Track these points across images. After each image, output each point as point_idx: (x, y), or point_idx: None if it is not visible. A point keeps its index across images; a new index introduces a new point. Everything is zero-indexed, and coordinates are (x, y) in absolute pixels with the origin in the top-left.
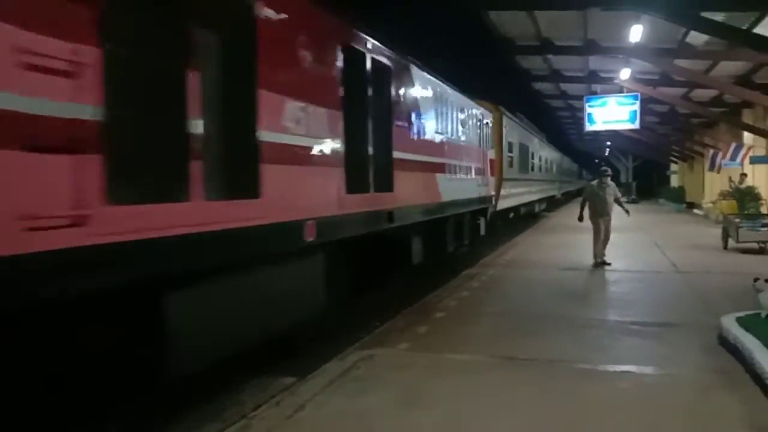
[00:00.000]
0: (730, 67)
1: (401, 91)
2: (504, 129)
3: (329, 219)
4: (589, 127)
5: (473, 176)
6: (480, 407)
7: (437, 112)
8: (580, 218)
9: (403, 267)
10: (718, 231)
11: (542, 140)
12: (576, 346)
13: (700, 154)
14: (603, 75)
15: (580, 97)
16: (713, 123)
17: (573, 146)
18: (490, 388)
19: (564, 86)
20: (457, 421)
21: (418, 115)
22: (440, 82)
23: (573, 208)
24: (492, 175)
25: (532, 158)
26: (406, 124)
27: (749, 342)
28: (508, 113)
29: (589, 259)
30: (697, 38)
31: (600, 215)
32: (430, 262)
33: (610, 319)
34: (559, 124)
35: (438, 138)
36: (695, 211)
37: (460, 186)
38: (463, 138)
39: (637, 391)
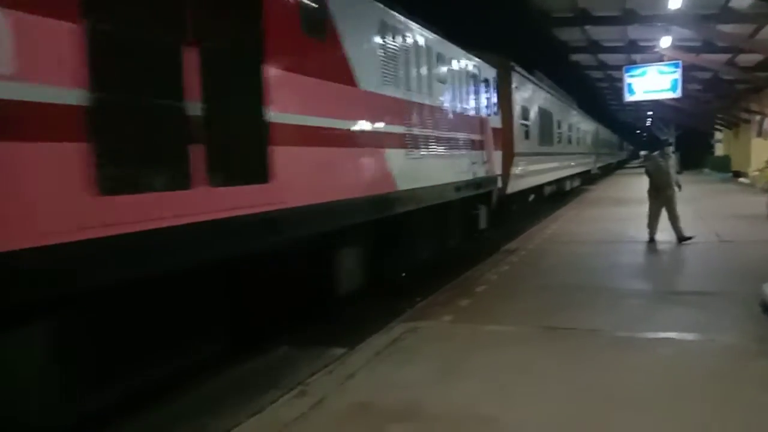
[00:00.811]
0: None
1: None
2: (514, 89)
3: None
4: (628, 98)
5: (464, 152)
6: (521, 376)
7: (387, 57)
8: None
9: (325, 303)
10: (763, 200)
11: (572, 106)
12: (617, 315)
13: (746, 121)
14: (642, 44)
15: (619, 68)
16: (759, 88)
17: (613, 117)
18: (532, 357)
19: (602, 57)
20: (501, 389)
21: (338, 53)
22: (396, 15)
23: (614, 181)
24: (498, 149)
25: (558, 128)
26: (300, 64)
27: None
28: (520, 70)
29: (631, 232)
30: (740, 1)
31: (663, 188)
32: (374, 287)
33: (653, 290)
34: (598, 96)
35: (389, 94)
36: (741, 180)
37: (437, 166)
38: (443, 99)
39: (678, 356)
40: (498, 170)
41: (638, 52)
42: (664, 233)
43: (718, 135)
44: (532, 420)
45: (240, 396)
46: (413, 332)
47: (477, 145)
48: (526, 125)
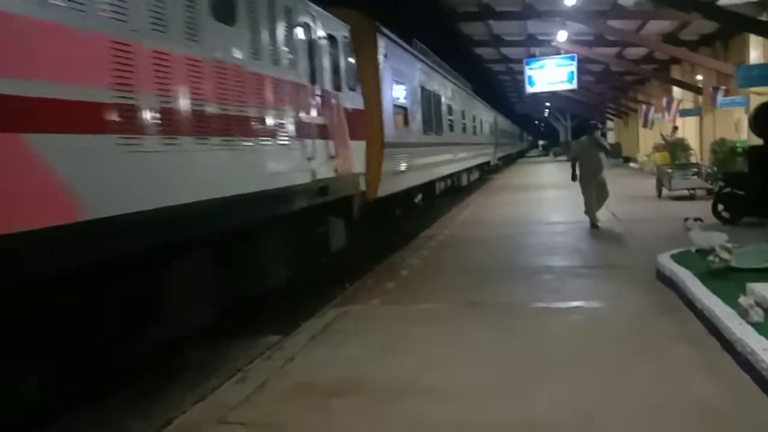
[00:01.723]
0: (659, 25)
1: None
2: (383, 59)
3: None
4: (530, 89)
5: (287, 141)
6: (453, 347)
7: None
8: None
9: None
10: (652, 182)
11: (468, 92)
12: (531, 290)
13: (634, 111)
14: (541, 38)
15: (519, 61)
16: (645, 80)
17: (513, 109)
18: (458, 330)
19: (504, 50)
20: (434, 359)
21: None
22: None
23: (516, 170)
24: (359, 138)
25: (451, 114)
26: None
27: (682, 273)
28: (391, 34)
29: (536, 215)
30: None
31: (593, 173)
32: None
33: (560, 265)
34: (499, 88)
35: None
36: (631, 164)
37: (214, 164)
38: (227, 50)
39: (588, 321)
40: (359, 167)
41: (537, 46)
42: (564, 215)
43: (609, 124)
44: (472, 384)
45: (181, 385)
46: (345, 315)
47: (317, 132)
48: (403, 108)
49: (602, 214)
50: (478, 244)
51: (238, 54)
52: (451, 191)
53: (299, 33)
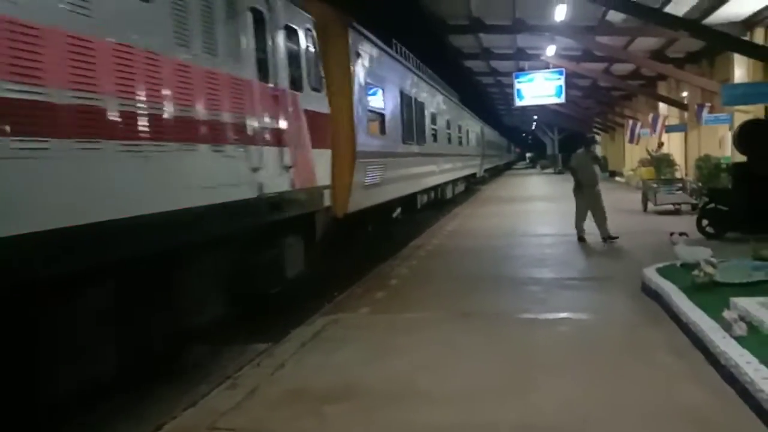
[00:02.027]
0: (646, 42)
1: None
2: (355, 58)
3: None
4: (518, 102)
5: (216, 149)
6: (440, 354)
7: None
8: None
9: None
10: (638, 196)
11: (453, 101)
12: (519, 300)
13: (620, 125)
14: (530, 52)
15: (508, 74)
16: (632, 95)
17: (501, 121)
18: (447, 338)
19: (494, 63)
20: (428, 366)
21: None
22: None
23: (503, 181)
24: (323, 146)
25: (433, 123)
26: None
27: (667, 287)
28: (365, 32)
29: (523, 227)
30: (615, 16)
31: (589, 186)
32: None
33: (547, 277)
34: (489, 100)
35: None
36: (617, 178)
37: (100, 180)
38: (134, 38)
39: (575, 332)
40: (323, 179)
41: (526, 60)
42: (551, 227)
43: (596, 138)
44: (464, 389)
45: (171, 392)
46: (335, 324)
47: (266, 137)
48: (380, 114)
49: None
50: (466, 254)
51: (152, 36)
52: (435, 205)
53: (246, 20)
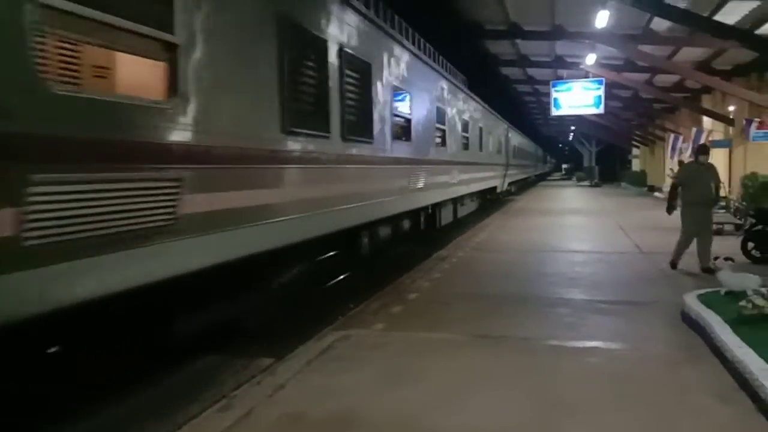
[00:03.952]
0: (692, 53)
1: None
2: None
3: None
4: (555, 112)
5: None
6: (455, 384)
7: None
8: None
9: None
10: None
11: (457, 86)
12: (546, 324)
13: (661, 139)
14: (569, 60)
15: (546, 82)
16: (674, 108)
17: (538, 130)
18: (465, 366)
19: (530, 71)
20: (437, 396)
21: None
22: None
23: (537, 193)
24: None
25: (415, 113)
26: None
27: (710, 318)
28: None
29: (555, 242)
30: (660, 24)
31: (700, 205)
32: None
33: (578, 299)
34: (525, 109)
35: None
36: (656, 194)
37: None
38: None
39: (606, 365)
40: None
41: (565, 68)
42: (585, 243)
43: (635, 151)
44: (477, 428)
45: (161, 412)
46: (346, 340)
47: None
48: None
49: (624, 244)
50: (493, 269)
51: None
52: (415, 237)
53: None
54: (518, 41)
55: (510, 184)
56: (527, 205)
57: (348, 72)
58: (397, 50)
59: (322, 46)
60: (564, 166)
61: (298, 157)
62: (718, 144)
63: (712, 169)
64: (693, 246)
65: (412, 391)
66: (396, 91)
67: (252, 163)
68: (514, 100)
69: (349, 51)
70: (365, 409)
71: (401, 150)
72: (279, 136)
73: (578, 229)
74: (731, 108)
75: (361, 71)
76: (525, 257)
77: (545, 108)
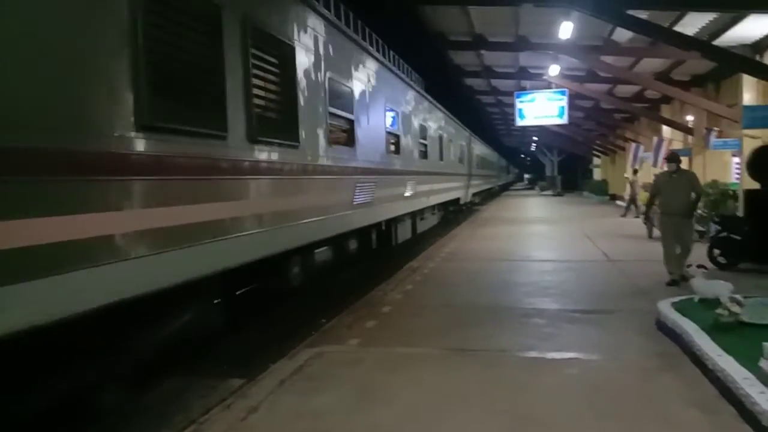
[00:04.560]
0: (651, 64)
1: None
2: None
3: None
4: (520, 122)
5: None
6: (430, 402)
7: None
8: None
9: None
10: (640, 221)
11: (416, 90)
12: (521, 335)
13: (622, 149)
14: (532, 71)
15: (510, 93)
16: (634, 118)
17: (500, 141)
18: (440, 381)
19: (494, 82)
20: (413, 416)
21: None
22: None
23: (502, 202)
24: None
25: (366, 113)
26: None
27: (687, 326)
28: None
29: (524, 251)
30: (622, 35)
31: (669, 214)
32: None
33: (552, 308)
34: (488, 120)
35: None
36: (618, 202)
37: None
38: None
39: (585, 377)
40: None
41: (528, 79)
42: (553, 252)
43: (596, 160)
44: None
45: None
46: (320, 357)
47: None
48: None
49: (590, 251)
50: (464, 279)
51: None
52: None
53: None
54: (483, 52)
55: (474, 194)
56: (494, 215)
57: (259, 53)
58: (338, 38)
59: (214, 13)
60: (526, 176)
61: (169, 165)
62: (678, 153)
63: (688, 177)
64: (654, 252)
65: (387, 412)
66: (333, 85)
67: (78, 174)
68: (477, 111)
69: (262, 27)
70: (341, 430)
71: (342, 157)
72: (130, 135)
73: (545, 238)
74: (690, 117)
75: (280, 55)
76: (496, 266)
77: (509, 119)
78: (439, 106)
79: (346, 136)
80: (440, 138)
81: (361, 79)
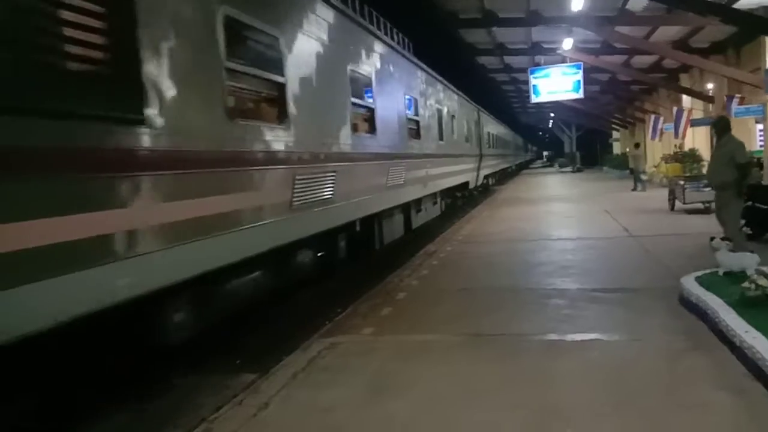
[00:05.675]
0: (668, 32)
1: None
2: None
3: None
4: (534, 99)
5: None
6: (455, 390)
7: None
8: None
9: None
10: (662, 194)
11: (408, 59)
12: (541, 317)
13: (641, 121)
14: (546, 46)
15: (523, 70)
16: (653, 89)
17: (517, 119)
18: (458, 370)
19: (507, 59)
20: (429, 408)
21: None
22: None
23: (521, 180)
24: None
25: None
26: None
27: (712, 301)
28: None
29: (543, 230)
30: (636, 4)
31: (711, 187)
32: None
33: (572, 288)
34: (504, 98)
35: None
36: (642, 176)
37: None
38: None
39: (608, 359)
40: None
41: (542, 54)
42: (573, 230)
43: (615, 134)
44: None
45: None
46: (333, 348)
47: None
48: None
49: (611, 227)
50: (482, 262)
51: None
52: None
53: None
54: (494, 29)
55: (486, 177)
56: (512, 195)
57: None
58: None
59: None
60: (545, 153)
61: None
62: (699, 122)
63: (730, 147)
64: (678, 225)
65: (402, 404)
66: (271, 39)
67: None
68: (492, 90)
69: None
70: (357, 425)
71: (292, 137)
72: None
73: (565, 216)
74: (710, 86)
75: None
76: (514, 247)
77: (524, 96)
78: (437, 75)
79: (297, 109)
80: (438, 113)
81: (323, 38)
